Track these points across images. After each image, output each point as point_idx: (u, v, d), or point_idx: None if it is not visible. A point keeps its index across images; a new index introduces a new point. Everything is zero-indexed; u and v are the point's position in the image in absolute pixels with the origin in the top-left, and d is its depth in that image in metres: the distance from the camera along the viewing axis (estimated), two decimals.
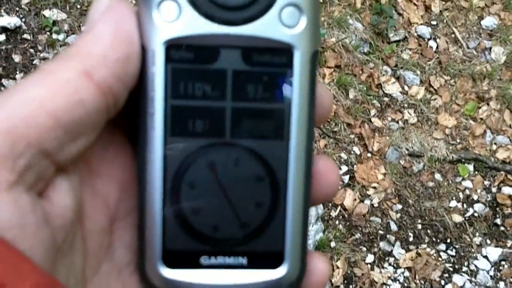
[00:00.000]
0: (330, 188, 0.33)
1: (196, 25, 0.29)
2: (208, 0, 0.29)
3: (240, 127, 0.30)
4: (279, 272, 0.31)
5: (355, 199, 2.10)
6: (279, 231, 0.31)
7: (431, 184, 2.22)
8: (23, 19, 2.01)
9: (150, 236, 0.30)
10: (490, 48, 2.54)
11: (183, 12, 0.29)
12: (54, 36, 2.02)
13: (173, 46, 0.29)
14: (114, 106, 0.28)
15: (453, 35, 2.53)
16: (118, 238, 0.32)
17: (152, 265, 0.31)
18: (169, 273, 0.31)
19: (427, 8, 2.54)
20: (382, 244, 2.07)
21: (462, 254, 2.14)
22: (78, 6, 2.09)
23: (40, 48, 2.00)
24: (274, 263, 0.31)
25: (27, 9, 2.03)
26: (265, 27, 0.29)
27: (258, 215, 0.31)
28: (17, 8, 2.02)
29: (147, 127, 0.30)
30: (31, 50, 1.99)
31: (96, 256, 0.30)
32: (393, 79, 2.34)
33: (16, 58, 1.97)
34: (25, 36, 2.00)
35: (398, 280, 2.04)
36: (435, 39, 2.51)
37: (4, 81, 1.91)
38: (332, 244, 2.00)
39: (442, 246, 2.13)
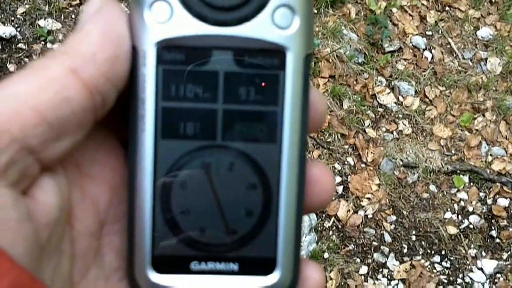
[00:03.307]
0: (325, 195, 0.33)
1: (188, 26, 0.29)
2: (200, 1, 0.28)
3: (232, 129, 0.30)
4: (271, 279, 0.31)
5: (349, 210, 2.09)
6: (271, 237, 0.31)
7: (425, 195, 2.20)
8: (18, 29, 2.03)
9: (139, 240, 0.30)
10: (486, 59, 2.53)
11: (175, 13, 0.28)
12: (49, 45, 2.03)
13: (164, 47, 0.29)
14: (102, 106, 0.28)
15: (448, 46, 2.52)
16: (107, 243, 0.31)
17: (141, 270, 0.30)
18: (158, 278, 0.30)
19: (422, 19, 2.54)
20: (376, 256, 2.06)
21: (457, 266, 2.12)
22: (73, 16, 2.10)
23: (34, 57, 2.01)
24: (266, 270, 0.31)
25: (22, 18, 2.04)
26: (258, 28, 0.29)
27: (249, 219, 0.31)
28: (12, 18, 2.04)
29: (138, 129, 0.29)
30: (26, 60, 2.00)
31: (84, 260, 0.30)
32: (387, 90, 2.33)
33: (11, 67, 1.98)
34: (20, 45, 2.01)
35: None
36: (430, 50, 2.50)
37: None
38: (326, 255, 1.99)
39: (437, 258, 2.11)
